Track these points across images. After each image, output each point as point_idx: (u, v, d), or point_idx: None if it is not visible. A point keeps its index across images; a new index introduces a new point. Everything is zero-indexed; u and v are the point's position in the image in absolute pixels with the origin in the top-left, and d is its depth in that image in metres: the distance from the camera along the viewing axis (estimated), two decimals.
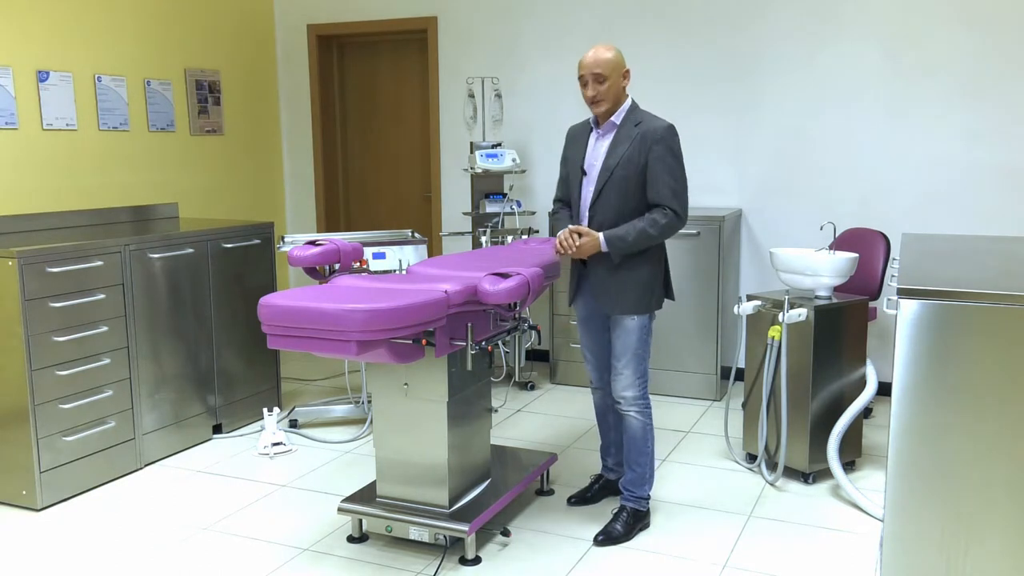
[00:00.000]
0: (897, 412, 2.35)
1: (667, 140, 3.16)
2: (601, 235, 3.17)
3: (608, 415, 3.61)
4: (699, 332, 4.95)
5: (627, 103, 3.26)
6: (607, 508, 3.58)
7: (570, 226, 3.23)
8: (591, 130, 3.34)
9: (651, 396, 5.05)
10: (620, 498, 3.44)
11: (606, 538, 3.30)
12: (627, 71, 3.23)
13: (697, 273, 4.88)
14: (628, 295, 3.25)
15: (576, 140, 3.40)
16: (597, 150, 3.29)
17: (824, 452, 3.81)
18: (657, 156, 3.15)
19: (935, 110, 4.74)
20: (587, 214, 3.29)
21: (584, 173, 3.33)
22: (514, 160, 5.25)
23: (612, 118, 3.25)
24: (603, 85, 3.17)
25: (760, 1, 5.03)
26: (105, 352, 3.87)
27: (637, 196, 3.21)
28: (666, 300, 3.63)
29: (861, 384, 3.85)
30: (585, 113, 5.49)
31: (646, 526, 3.42)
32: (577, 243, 3.17)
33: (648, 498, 3.42)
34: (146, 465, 4.11)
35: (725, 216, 4.84)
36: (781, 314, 3.72)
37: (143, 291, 4.04)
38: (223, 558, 3.20)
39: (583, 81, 3.20)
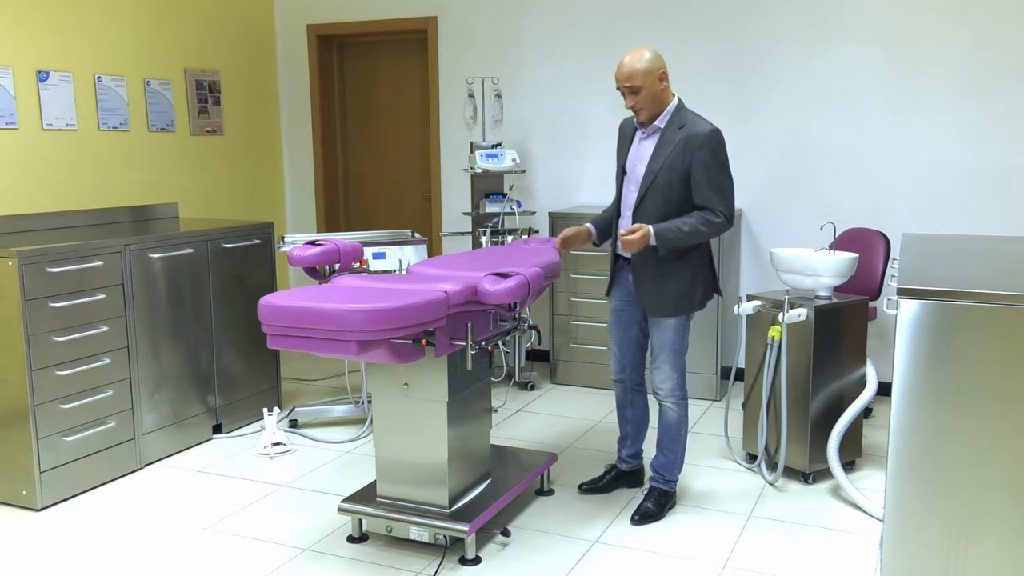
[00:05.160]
0: (897, 412, 2.35)
1: (711, 145, 3.15)
2: (651, 227, 3.15)
3: (627, 409, 3.66)
4: (699, 332, 4.95)
5: (672, 104, 3.24)
6: (614, 502, 3.59)
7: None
8: (636, 129, 3.35)
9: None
10: (650, 479, 3.58)
11: (642, 517, 3.44)
12: (663, 72, 3.18)
13: None
14: (667, 298, 3.30)
15: (623, 137, 3.41)
16: (640, 151, 3.31)
17: (824, 452, 3.81)
18: (701, 162, 3.15)
19: (935, 110, 4.74)
20: (630, 216, 3.33)
21: (625, 172, 3.36)
22: (514, 160, 5.25)
23: (656, 121, 3.24)
24: (639, 95, 3.17)
25: (760, 1, 5.03)
26: (105, 352, 3.87)
27: (680, 202, 3.23)
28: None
29: (861, 384, 3.85)
30: (589, 114, 5.49)
31: (674, 504, 3.59)
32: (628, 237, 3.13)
33: (676, 480, 3.56)
34: (146, 465, 4.11)
35: None
36: (781, 314, 3.72)
37: (143, 291, 4.04)
38: (223, 558, 3.20)
39: (620, 92, 3.20)
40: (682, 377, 3.42)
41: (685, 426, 3.48)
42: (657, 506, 3.48)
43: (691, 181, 3.18)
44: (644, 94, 3.16)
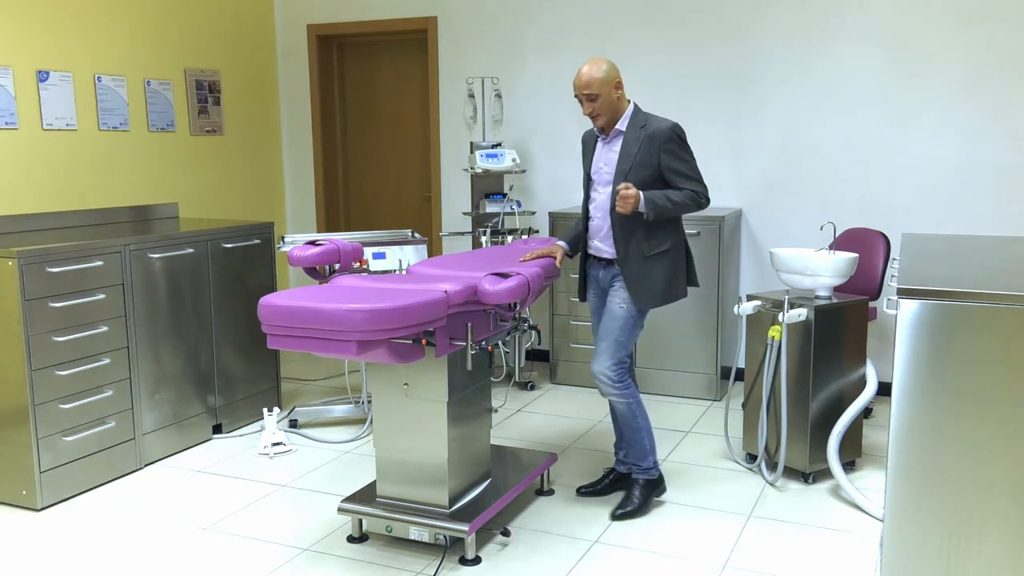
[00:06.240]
0: (897, 412, 2.35)
1: (675, 139, 3.30)
2: (641, 193, 3.23)
3: None
4: (699, 332, 4.95)
5: (629, 109, 3.38)
6: (614, 503, 3.59)
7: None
8: (597, 138, 3.46)
9: (651, 396, 5.07)
10: (632, 472, 3.60)
11: (623, 512, 3.47)
12: (619, 82, 3.33)
13: (697, 273, 4.87)
14: (654, 288, 3.36)
15: (586, 147, 3.53)
16: (606, 156, 3.41)
17: (824, 452, 3.81)
18: (672, 154, 3.29)
19: (935, 110, 4.74)
20: (601, 217, 3.41)
21: (591, 180, 3.46)
22: (514, 160, 5.25)
23: (617, 125, 3.37)
24: (596, 102, 3.31)
25: (761, 2, 5.03)
26: (105, 352, 3.87)
27: None
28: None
29: (861, 384, 3.85)
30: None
31: (662, 492, 3.62)
32: (626, 192, 3.20)
33: (655, 466, 3.56)
34: (146, 465, 4.11)
35: (725, 216, 4.84)
36: (781, 314, 3.72)
37: (143, 291, 4.04)
38: (223, 558, 3.20)
39: (578, 99, 3.34)
40: (622, 369, 3.41)
41: (640, 412, 3.48)
42: (640, 499, 3.51)
43: (665, 173, 3.31)
44: (601, 101, 3.30)
